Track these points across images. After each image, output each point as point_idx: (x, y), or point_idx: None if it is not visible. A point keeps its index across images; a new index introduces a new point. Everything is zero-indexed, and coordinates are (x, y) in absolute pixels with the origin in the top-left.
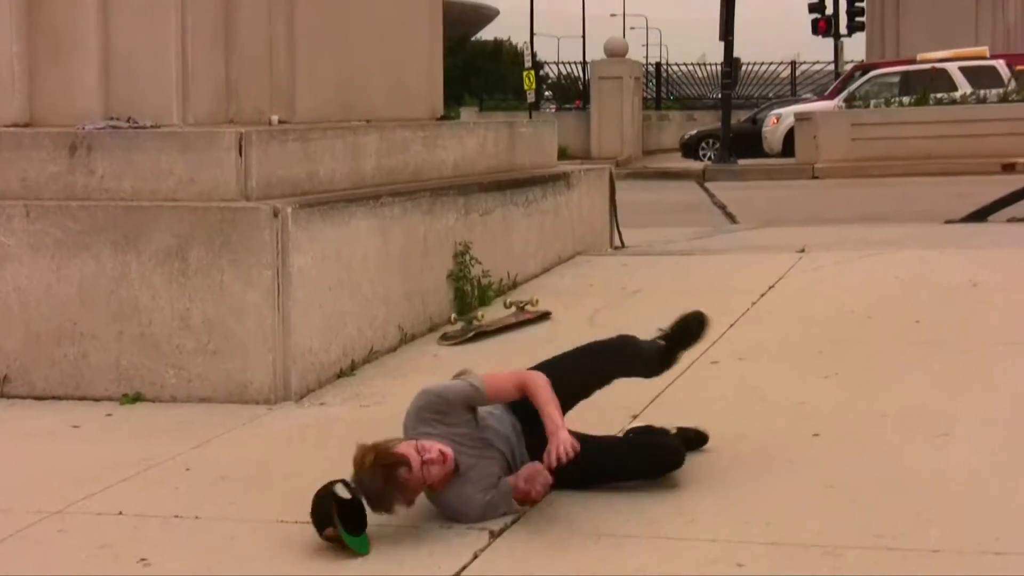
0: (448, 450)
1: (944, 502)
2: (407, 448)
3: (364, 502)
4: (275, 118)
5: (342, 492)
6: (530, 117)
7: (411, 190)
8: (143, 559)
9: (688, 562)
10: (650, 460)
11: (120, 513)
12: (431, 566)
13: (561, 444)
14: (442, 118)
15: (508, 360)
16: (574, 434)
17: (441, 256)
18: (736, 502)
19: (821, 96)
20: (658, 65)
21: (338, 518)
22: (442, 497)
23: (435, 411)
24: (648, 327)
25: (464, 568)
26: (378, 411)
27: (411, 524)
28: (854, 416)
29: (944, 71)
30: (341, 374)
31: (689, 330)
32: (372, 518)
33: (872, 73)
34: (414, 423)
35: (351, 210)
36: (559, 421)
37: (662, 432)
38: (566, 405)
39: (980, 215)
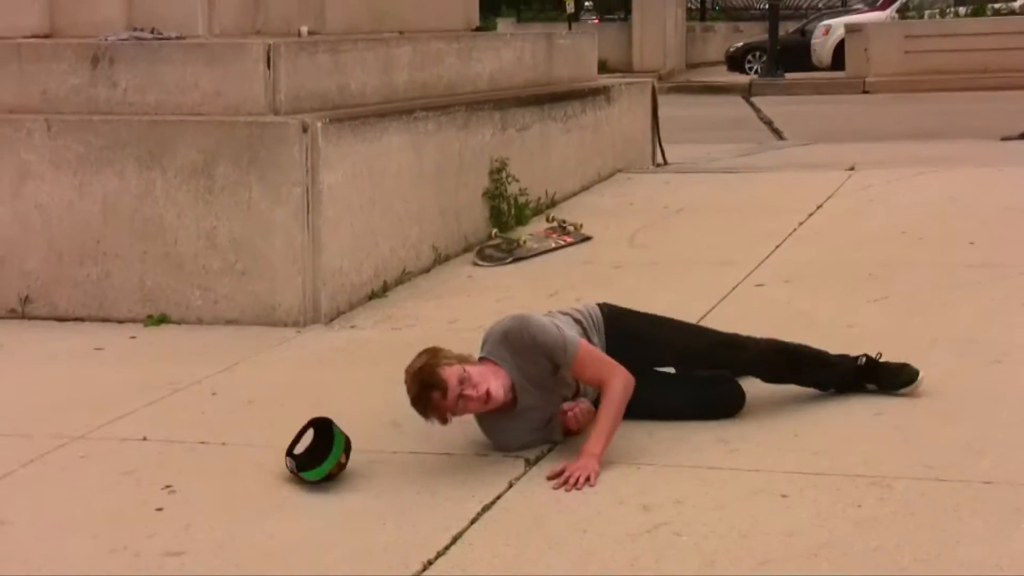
0: (499, 391)
1: (996, 432)
2: (452, 374)
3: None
4: (304, 29)
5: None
6: (569, 29)
7: (445, 104)
8: (168, 486)
9: (730, 493)
10: (706, 410)
11: (144, 439)
12: (465, 495)
13: (579, 472)
14: (477, 29)
15: (546, 282)
16: (638, 371)
17: (477, 173)
18: (781, 431)
19: (873, 6)
20: None
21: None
22: (490, 423)
23: (518, 344)
24: (691, 248)
25: (499, 497)
26: (410, 334)
27: (444, 452)
28: (904, 341)
29: None
30: (372, 295)
31: (895, 372)
32: (404, 444)
33: None
34: (495, 345)
35: (383, 125)
36: (599, 448)
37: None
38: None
39: None
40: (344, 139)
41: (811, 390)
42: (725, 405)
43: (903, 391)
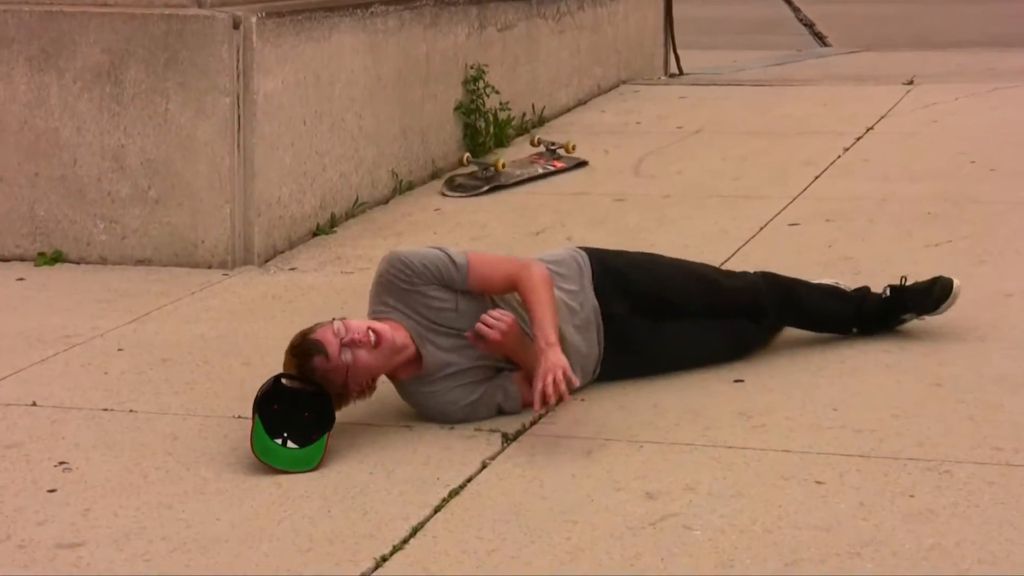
0: (386, 330)
1: None
2: (326, 331)
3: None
4: None
5: (284, 384)
6: None
7: None
8: (62, 462)
9: (752, 477)
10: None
11: (34, 404)
12: (427, 477)
13: (551, 373)
14: None
15: (531, 218)
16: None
17: (448, 82)
18: (817, 403)
19: None
20: None
21: (262, 419)
22: (412, 395)
23: (397, 282)
24: (710, 178)
25: (469, 480)
26: (363, 279)
27: (403, 423)
28: (970, 295)
29: None
30: (318, 231)
31: (926, 292)
32: (354, 413)
33: None
34: (373, 297)
35: (333, 21)
36: (551, 336)
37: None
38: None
39: None
40: (284, 38)
41: (858, 352)
42: (744, 340)
43: (943, 309)
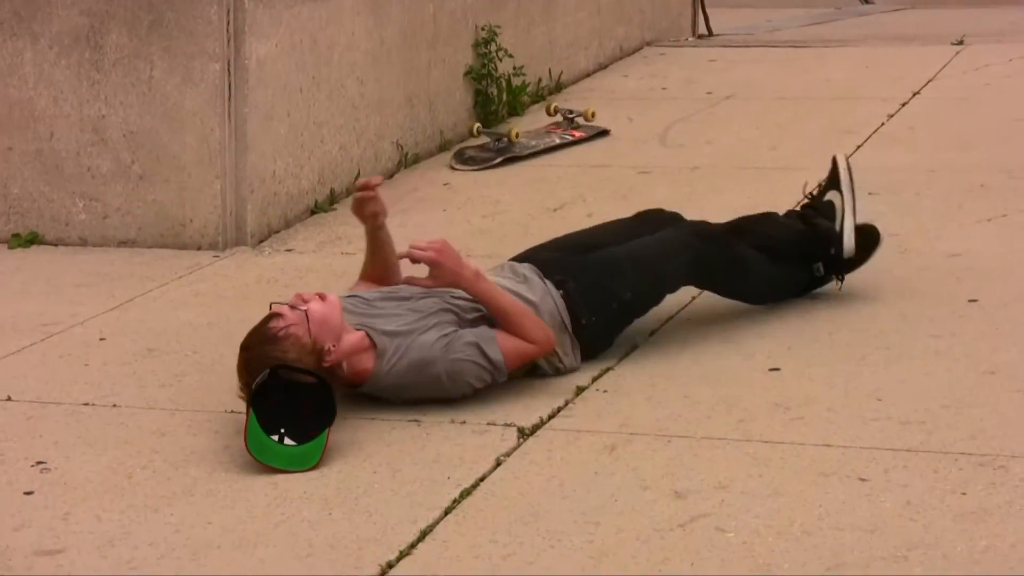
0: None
1: None
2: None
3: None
4: None
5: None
6: None
7: None
8: (40, 462)
9: (789, 474)
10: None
11: (9, 398)
12: (437, 476)
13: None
14: None
15: (548, 192)
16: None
17: (457, 45)
18: (860, 392)
19: None
20: None
21: (257, 414)
22: (384, 374)
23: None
24: (742, 148)
25: (483, 478)
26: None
27: (411, 417)
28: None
29: None
30: (316, 209)
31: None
32: (358, 407)
33: None
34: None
35: None
36: (479, 280)
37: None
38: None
39: None
40: None
41: (905, 335)
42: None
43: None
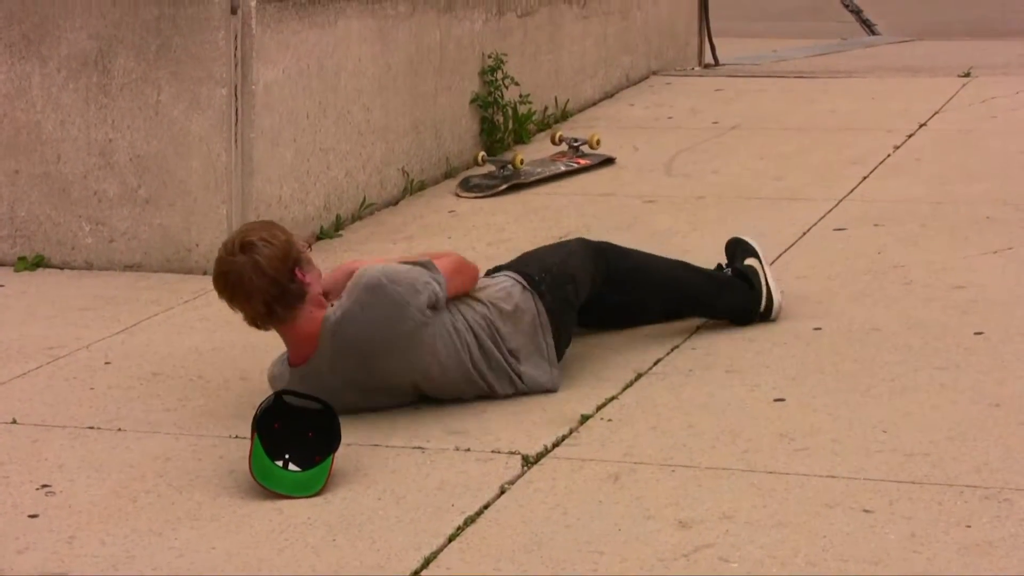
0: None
1: None
2: None
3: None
4: None
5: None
6: None
7: None
8: (44, 485)
9: (794, 505)
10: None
11: (14, 421)
12: (441, 503)
13: None
14: None
15: (553, 220)
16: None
17: (463, 73)
18: (865, 423)
19: None
20: None
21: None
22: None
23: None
24: (748, 178)
25: (487, 506)
26: None
27: (415, 445)
28: None
29: None
30: (322, 234)
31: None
32: (362, 434)
33: None
34: None
35: (339, 5)
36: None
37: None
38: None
39: None
40: (286, 23)
41: (909, 368)
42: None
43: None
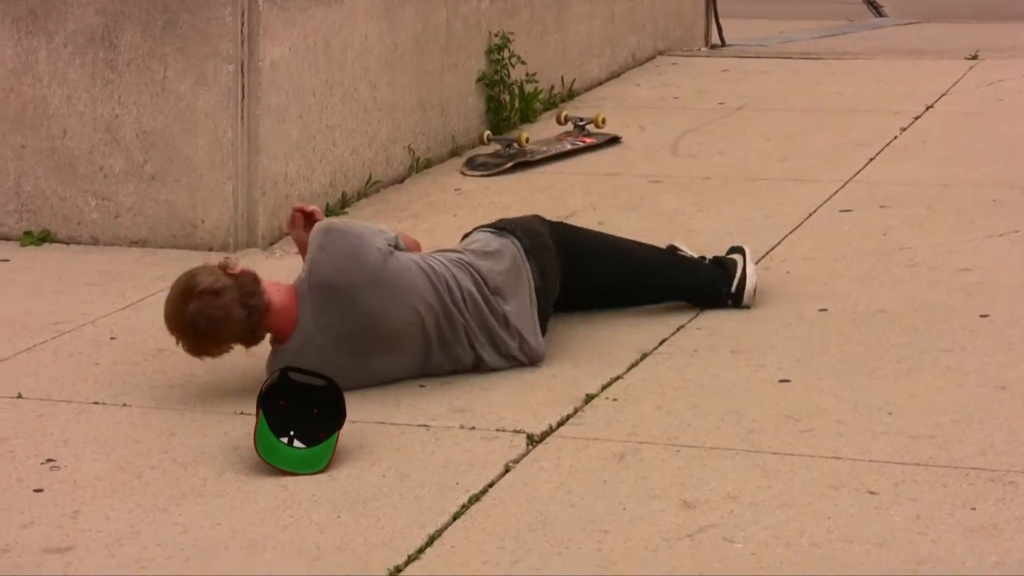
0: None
1: None
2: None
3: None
4: None
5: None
6: None
7: None
8: (49, 460)
9: (800, 486)
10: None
11: (19, 396)
12: (446, 481)
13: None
14: None
15: (559, 199)
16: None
17: (470, 51)
18: (871, 406)
19: None
20: None
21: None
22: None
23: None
24: (754, 159)
25: (491, 484)
26: None
27: (420, 423)
28: None
29: None
30: (328, 212)
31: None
32: (367, 411)
33: None
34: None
35: None
36: None
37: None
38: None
39: None
40: (293, 0)
41: (915, 350)
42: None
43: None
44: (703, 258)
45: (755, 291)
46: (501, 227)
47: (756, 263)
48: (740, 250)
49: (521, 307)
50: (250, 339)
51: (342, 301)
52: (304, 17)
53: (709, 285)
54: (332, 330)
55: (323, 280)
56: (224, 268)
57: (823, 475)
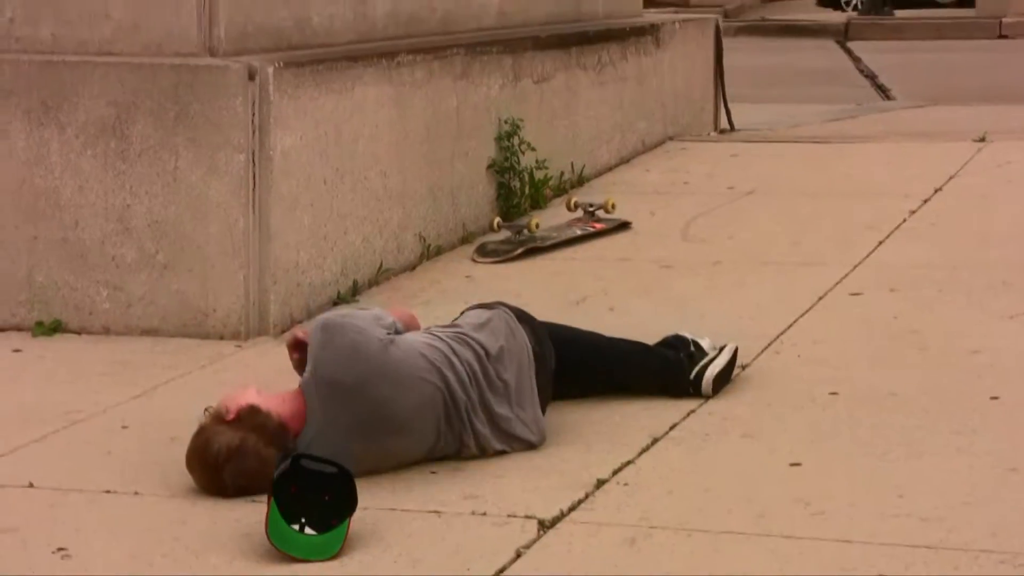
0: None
1: None
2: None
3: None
4: None
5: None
6: None
7: (439, 46)
8: (61, 548)
9: (810, 570)
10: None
11: (31, 485)
12: (457, 566)
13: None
14: None
15: (570, 285)
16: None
17: (480, 138)
18: (882, 488)
19: None
20: None
21: (278, 503)
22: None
23: None
24: (764, 243)
25: (502, 571)
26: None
27: (431, 509)
28: None
29: None
30: (339, 299)
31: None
32: (377, 498)
33: None
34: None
35: (356, 72)
36: None
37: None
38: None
39: None
40: (304, 89)
41: (926, 432)
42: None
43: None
44: (691, 348)
45: (713, 381)
46: (488, 304)
47: (766, 348)
48: (724, 346)
49: (521, 375)
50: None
51: (349, 395)
52: (314, 106)
53: (674, 373)
54: (341, 422)
55: (328, 377)
56: (222, 419)
57: (834, 559)
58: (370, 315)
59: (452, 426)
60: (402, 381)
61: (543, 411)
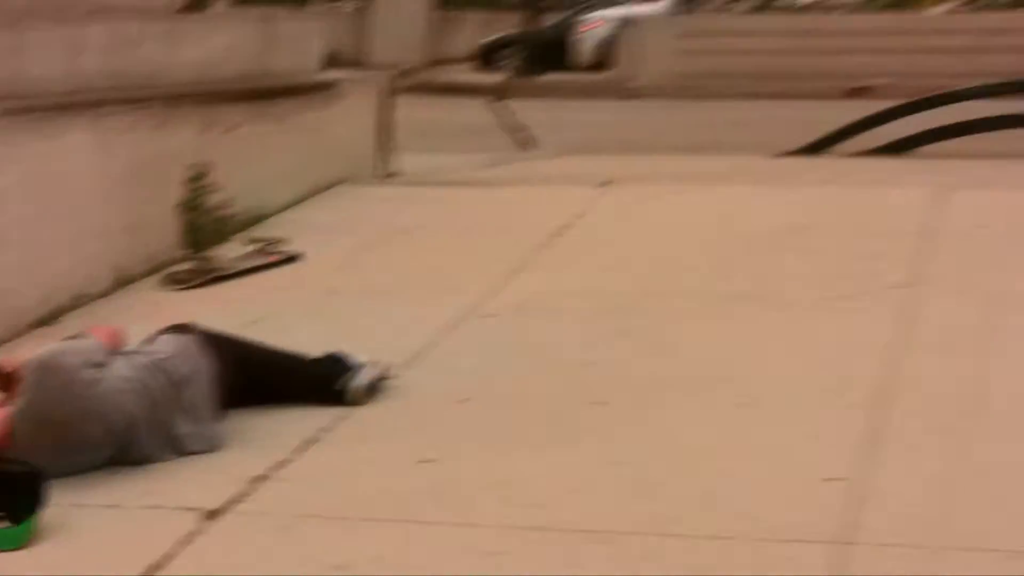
0: None
1: (734, 483)
2: None
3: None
4: None
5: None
6: (304, 7)
7: (143, 97)
8: None
9: (438, 549)
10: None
11: None
12: (133, 552)
13: None
14: (187, 8)
15: (245, 310)
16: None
17: (174, 180)
18: (502, 478)
19: None
20: None
21: None
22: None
23: None
24: (415, 273)
25: (171, 555)
26: None
27: (112, 504)
28: (647, 380)
29: None
30: (41, 323)
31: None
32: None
33: None
34: None
35: (67, 120)
36: None
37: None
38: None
39: (818, 147)
40: (18, 136)
41: (546, 426)
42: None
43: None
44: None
45: (363, 391)
46: (180, 326)
47: (410, 362)
48: (377, 361)
49: (205, 394)
50: None
51: (56, 429)
52: (28, 151)
53: (328, 384)
54: (46, 450)
55: (38, 414)
56: None
57: (459, 540)
58: (82, 347)
59: (144, 446)
60: (106, 416)
61: (221, 420)
